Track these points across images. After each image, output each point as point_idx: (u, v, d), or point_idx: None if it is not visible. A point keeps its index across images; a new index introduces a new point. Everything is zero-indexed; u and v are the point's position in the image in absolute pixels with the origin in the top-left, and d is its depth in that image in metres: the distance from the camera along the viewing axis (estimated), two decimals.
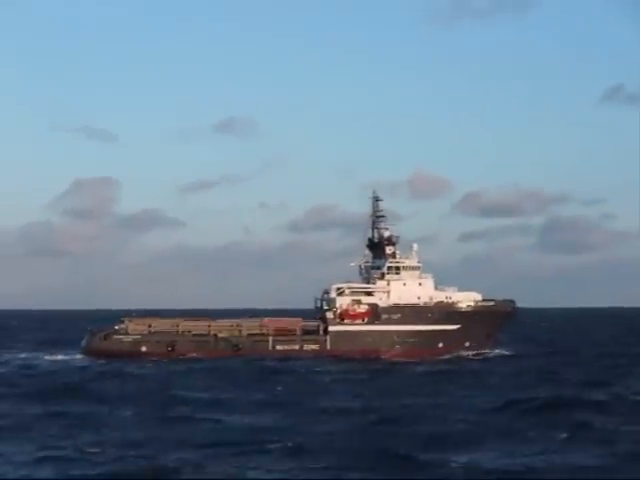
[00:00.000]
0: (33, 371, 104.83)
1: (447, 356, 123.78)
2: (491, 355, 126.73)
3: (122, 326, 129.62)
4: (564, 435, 54.43)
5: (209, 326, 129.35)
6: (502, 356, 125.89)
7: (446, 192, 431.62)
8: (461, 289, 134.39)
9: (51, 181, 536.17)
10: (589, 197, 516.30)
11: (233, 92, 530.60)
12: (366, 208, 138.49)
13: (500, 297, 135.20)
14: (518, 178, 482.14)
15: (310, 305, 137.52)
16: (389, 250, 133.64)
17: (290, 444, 49.97)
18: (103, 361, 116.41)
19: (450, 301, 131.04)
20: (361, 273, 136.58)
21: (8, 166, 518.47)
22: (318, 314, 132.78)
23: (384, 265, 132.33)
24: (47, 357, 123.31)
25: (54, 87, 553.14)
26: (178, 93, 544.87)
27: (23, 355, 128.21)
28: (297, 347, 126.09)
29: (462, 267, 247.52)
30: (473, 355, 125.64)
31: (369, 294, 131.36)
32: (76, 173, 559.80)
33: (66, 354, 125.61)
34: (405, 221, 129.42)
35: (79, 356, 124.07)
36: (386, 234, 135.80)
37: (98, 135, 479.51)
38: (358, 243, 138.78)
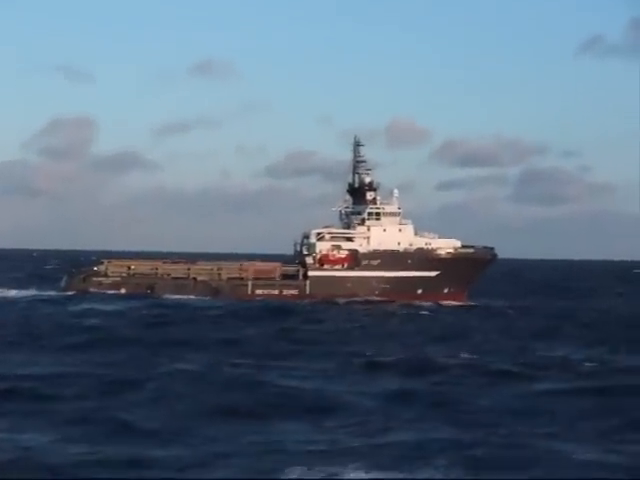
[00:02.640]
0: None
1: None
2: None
3: (101, 267, 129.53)
4: None
5: (188, 269, 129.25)
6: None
7: (424, 141, 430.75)
8: (440, 237, 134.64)
9: (27, 120, 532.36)
10: (567, 148, 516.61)
11: (212, 34, 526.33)
12: (345, 155, 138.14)
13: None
14: (497, 128, 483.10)
15: (288, 251, 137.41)
16: (369, 196, 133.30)
17: None
18: None
19: (430, 247, 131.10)
20: (341, 219, 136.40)
21: None
22: (297, 259, 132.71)
23: (364, 211, 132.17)
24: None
25: (31, 26, 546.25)
26: (156, 34, 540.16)
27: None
28: (276, 292, 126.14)
29: (439, 216, 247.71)
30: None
31: (349, 239, 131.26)
32: (52, 112, 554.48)
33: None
34: (383, 169, 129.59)
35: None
36: (367, 180, 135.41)
37: (75, 75, 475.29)
38: (337, 190, 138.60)
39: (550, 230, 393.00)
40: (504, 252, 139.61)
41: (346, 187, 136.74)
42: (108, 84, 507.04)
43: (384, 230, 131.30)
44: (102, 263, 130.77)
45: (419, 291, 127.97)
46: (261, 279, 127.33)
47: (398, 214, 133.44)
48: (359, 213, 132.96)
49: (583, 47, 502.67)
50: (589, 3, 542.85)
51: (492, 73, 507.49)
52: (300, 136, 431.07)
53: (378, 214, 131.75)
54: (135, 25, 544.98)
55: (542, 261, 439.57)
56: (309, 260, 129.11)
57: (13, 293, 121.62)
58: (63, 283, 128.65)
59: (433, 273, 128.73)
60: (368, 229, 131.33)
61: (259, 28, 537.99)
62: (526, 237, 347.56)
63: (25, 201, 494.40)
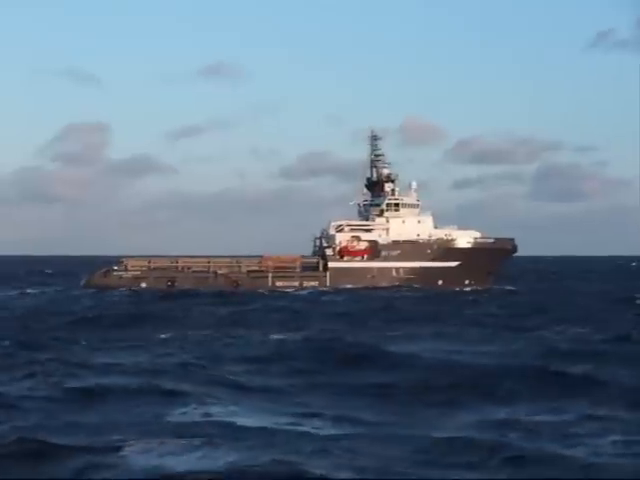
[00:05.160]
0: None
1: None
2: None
3: (121, 266, 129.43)
4: None
5: (209, 262, 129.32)
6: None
7: (438, 139, 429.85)
8: (459, 229, 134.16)
9: (40, 125, 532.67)
10: (581, 144, 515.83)
11: (221, 36, 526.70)
12: (358, 154, 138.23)
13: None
14: (510, 125, 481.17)
15: (306, 251, 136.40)
16: (388, 187, 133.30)
17: None
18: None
19: (450, 238, 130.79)
20: (360, 212, 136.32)
21: None
22: (317, 255, 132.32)
23: (383, 202, 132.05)
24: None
25: (36, 30, 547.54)
26: (165, 37, 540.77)
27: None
28: (297, 283, 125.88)
29: (456, 214, 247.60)
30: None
31: (368, 231, 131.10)
32: (64, 118, 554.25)
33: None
34: (397, 168, 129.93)
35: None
36: (385, 172, 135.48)
37: (83, 79, 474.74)
38: (352, 188, 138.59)
39: (568, 226, 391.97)
40: (522, 249, 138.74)
41: (364, 182, 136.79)
42: (119, 88, 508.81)
43: (403, 222, 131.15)
44: (122, 262, 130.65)
45: (440, 282, 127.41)
46: (281, 271, 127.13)
47: (417, 206, 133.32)
48: (378, 205, 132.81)
49: (593, 42, 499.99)
50: None
51: (504, 70, 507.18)
52: (313, 136, 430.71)
53: (397, 205, 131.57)
54: (143, 27, 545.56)
55: (561, 257, 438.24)
56: (329, 252, 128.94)
57: (34, 291, 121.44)
58: (84, 280, 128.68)
59: (453, 263, 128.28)
60: (387, 220, 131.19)
61: (268, 29, 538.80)
62: (544, 234, 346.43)
63: (41, 208, 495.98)
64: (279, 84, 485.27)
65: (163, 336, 59.16)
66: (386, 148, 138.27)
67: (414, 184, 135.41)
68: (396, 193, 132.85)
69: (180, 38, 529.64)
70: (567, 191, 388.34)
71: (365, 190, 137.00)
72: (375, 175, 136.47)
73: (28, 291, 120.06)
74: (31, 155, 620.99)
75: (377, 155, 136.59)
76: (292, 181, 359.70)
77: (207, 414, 32.04)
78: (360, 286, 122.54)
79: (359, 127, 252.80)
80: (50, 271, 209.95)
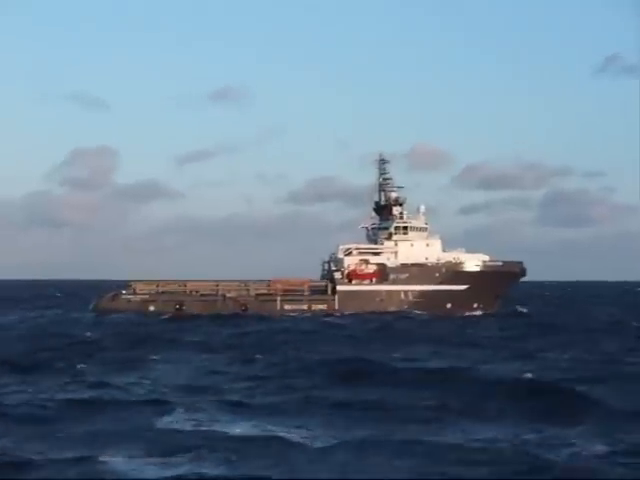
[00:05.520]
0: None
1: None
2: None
3: (130, 289, 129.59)
4: None
5: (217, 286, 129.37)
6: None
7: (446, 164, 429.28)
8: (468, 252, 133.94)
9: (47, 150, 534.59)
10: (590, 169, 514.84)
11: (228, 61, 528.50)
12: (365, 179, 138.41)
13: None
14: (518, 151, 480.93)
15: (313, 276, 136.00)
16: (396, 211, 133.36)
17: None
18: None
19: (458, 261, 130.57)
20: (368, 236, 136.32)
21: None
22: (325, 278, 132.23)
23: (391, 226, 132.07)
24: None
25: (43, 54, 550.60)
26: (171, 61, 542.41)
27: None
28: (305, 307, 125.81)
29: (464, 239, 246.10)
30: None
31: (377, 254, 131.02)
32: (72, 142, 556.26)
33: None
34: (405, 193, 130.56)
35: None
36: (393, 195, 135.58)
37: (90, 103, 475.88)
38: (359, 213, 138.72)
39: (575, 252, 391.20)
40: (529, 274, 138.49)
41: (372, 206, 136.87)
42: (126, 112, 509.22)
43: (412, 245, 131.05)
44: (130, 286, 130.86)
45: (448, 305, 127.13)
46: (290, 294, 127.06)
47: (425, 229, 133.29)
48: (386, 228, 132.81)
49: (601, 67, 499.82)
50: (605, 23, 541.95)
51: (512, 95, 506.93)
52: (320, 161, 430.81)
53: (405, 228, 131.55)
54: (151, 52, 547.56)
55: (569, 283, 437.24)
56: (337, 275, 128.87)
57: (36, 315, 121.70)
58: (92, 303, 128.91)
59: (462, 287, 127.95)
60: (395, 244, 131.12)
61: (276, 53, 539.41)
62: (552, 259, 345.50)
63: (49, 232, 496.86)
64: (286, 108, 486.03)
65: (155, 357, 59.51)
66: (394, 173, 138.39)
67: (422, 207, 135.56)
68: (404, 216, 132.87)
69: (188, 62, 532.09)
70: (575, 217, 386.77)
71: (373, 214, 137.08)
72: (383, 199, 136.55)
73: (32, 315, 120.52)
74: (39, 179, 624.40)
75: (385, 179, 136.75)
76: (300, 206, 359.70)
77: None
78: (368, 310, 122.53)
79: (367, 152, 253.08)
80: (59, 294, 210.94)
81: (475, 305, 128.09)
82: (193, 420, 33.98)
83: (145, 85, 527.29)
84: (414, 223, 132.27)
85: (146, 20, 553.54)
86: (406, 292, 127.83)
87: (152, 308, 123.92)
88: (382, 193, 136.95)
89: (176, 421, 33.85)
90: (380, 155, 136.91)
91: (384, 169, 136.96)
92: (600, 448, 30.35)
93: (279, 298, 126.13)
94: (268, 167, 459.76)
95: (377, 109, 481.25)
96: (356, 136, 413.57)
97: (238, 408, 38.11)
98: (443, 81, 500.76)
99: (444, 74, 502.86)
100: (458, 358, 59.41)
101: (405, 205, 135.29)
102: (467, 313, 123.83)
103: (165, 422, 33.76)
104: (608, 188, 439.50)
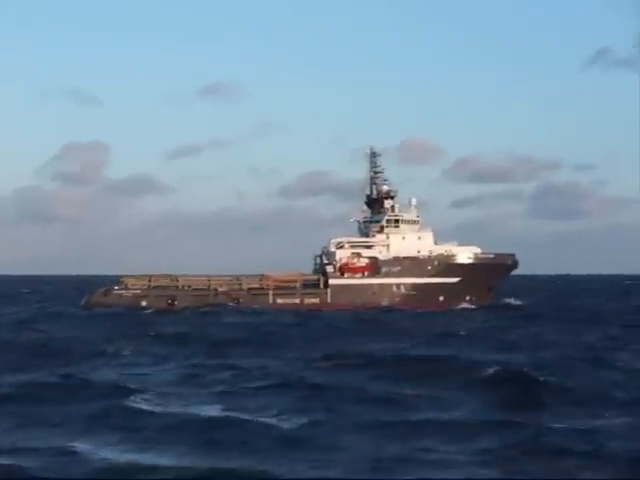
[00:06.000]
0: None
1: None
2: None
3: (122, 284, 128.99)
4: None
5: (209, 280, 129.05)
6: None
7: (437, 158, 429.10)
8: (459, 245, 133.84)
9: (38, 145, 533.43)
10: (580, 163, 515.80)
11: (219, 56, 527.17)
12: (358, 174, 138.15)
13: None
14: (509, 144, 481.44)
15: (305, 270, 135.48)
16: (388, 204, 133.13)
17: None
18: None
19: (450, 254, 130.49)
20: (360, 229, 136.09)
21: None
22: (318, 272, 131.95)
23: (383, 219, 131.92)
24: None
25: (37, 51, 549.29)
26: (163, 57, 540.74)
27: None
28: (297, 301, 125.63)
29: (456, 233, 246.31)
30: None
31: (369, 247, 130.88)
32: (63, 137, 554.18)
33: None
34: (397, 187, 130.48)
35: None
36: (385, 189, 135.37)
37: (82, 98, 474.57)
38: (352, 208, 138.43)
39: (567, 245, 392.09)
40: (522, 268, 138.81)
41: (363, 200, 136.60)
42: (118, 107, 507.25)
43: (403, 238, 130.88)
44: (122, 281, 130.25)
45: (441, 298, 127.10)
46: (282, 288, 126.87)
47: (417, 222, 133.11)
48: (378, 221, 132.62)
49: (592, 60, 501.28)
50: (596, 16, 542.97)
51: (503, 88, 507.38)
52: (312, 156, 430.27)
53: (397, 221, 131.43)
54: (143, 48, 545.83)
55: (560, 276, 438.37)
56: (329, 269, 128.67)
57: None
58: (84, 299, 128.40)
59: (454, 279, 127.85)
60: (387, 237, 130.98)
61: (267, 48, 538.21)
62: (544, 252, 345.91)
63: (40, 227, 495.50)
64: (278, 104, 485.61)
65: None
66: (385, 167, 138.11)
67: (414, 200, 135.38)
68: (396, 209, 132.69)
69: (179, 58, 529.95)
70: (566, 210, 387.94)
71: (365, 207, 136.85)
72: (375, 192, 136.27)
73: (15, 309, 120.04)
74: (31, 174, 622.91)
75: (376, 172, 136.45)
76: (291, 200, 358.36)
77: None
78: (360, 303, 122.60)
79: (358, 146, 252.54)
80: (50, 286, 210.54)
81: (467, 298, 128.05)
82: (163, 404, 35.20)
83: (137, 81, 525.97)
84: (406, 216, 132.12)
85: (138, 17, 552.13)
86: (398, 285, 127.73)
87: (144, 303, 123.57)
88: (373, 186, 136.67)
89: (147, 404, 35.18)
90: (371, 149, 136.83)
91: (375, 162, 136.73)
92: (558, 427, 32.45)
93: (271, 292, 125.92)
94: (260, 162, 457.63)
95: (369, 103, 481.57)
96: (348, 130, 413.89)
97: (210, 395, 39.43)
98: (434, 75, 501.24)
99: (435, 68, 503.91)
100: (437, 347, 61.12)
101: (396, 198, 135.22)
102: (460, 306, 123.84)
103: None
104: (599, 181, 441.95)
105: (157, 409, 35.49)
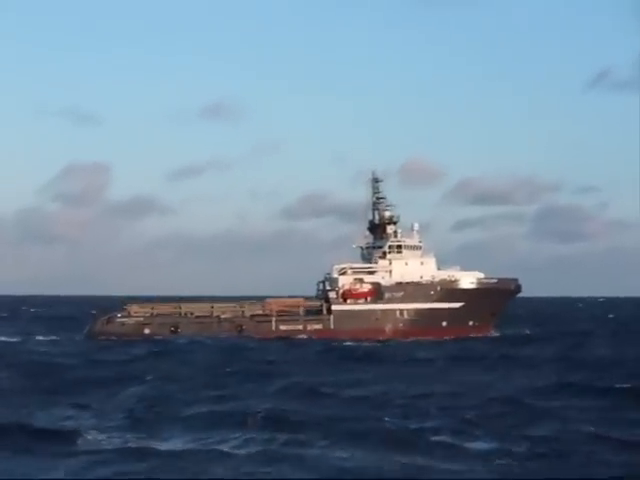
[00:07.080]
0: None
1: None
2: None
3: (125, 312, 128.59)
4: None
5: (212, 307, 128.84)
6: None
7: (439, 180, 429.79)
8: (462, 270, 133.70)
9: (39, 166, 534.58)
10: (582, 185, 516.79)
11: (221, 77, 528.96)
12: (359, 195, 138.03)
13: None
14: (511, 166, 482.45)
15: (308, 292, 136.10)
16: (390, 229, 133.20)
17: None
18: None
19: (453, 279, 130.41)
20: (362, 255, 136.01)
21: None
22: (320, 298, 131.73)
23: (386, 244, 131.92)
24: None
25: (37, 70, 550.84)
26: (164, 77, 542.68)
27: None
28: (300, 327, 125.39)
29: (458, 255, 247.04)
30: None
31: (371, 273, 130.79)
32: (64, 158, 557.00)
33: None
34: (398, 209, 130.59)
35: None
36: (387, 214, 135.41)
37: (83, 118, 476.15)
38: (354, 229, 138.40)
39: (569, 267, 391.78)
40: (524, 291, 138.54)
41: (366, 225, 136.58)
42: (119, 128, 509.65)
43: (406, 263, 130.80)
44: (125, 308, 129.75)
45: (444, 323, 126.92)
46: (285, 315, 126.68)
47: (419, 247, 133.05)
48: (380, 247, 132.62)
49: (592, 82, 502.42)
50: (597, 38, 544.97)
51: (504, 111, 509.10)
52: (313, 177, 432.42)
53: (399, 247, 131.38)
54: (143, 68, 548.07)
55: (562, 299, 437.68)
56: (332, 295, 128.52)
57: (39, 338, 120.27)
58: (87, 327, 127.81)
59: (457, 305, 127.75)
60: (390, 262, 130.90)
61: (268, 69, 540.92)
62: (545, 275, 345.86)
63: (42, 248, 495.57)
64: (279, 124, 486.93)
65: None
66: (387, 189, 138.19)
67: (416, 226, 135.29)
68: (398, 235, 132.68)
69: (180, 79, 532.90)
70: (567, 232, 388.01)
71: (367, 233, 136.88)
72: (377, 217, 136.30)
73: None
74: (32, 195, 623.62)
75: (379, 198, 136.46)
76: (293, 222, 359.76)
77: None
78: (364, 328, 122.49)
79: (360, 167, 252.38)
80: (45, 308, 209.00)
81: (471, 323, 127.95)
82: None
83: (138, 100, 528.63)
84: (408, 242, 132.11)
85: (139, 36, 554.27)
86: (401, 311, 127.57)
87: (147, 331, 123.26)
88: (376, 212, 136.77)
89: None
90: (373, 174, 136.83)
91: (377, 188, 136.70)
92: None
93: (274, 319, 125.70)
94: (261, 183, 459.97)
95: (370, 125, 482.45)
96: (349, 152, 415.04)
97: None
98: (436, 96, 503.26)
99: (436, 90, 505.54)
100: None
101: (399, 223, 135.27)
102: (471, 334, 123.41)
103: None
104: (601, 204, 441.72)
105: None
